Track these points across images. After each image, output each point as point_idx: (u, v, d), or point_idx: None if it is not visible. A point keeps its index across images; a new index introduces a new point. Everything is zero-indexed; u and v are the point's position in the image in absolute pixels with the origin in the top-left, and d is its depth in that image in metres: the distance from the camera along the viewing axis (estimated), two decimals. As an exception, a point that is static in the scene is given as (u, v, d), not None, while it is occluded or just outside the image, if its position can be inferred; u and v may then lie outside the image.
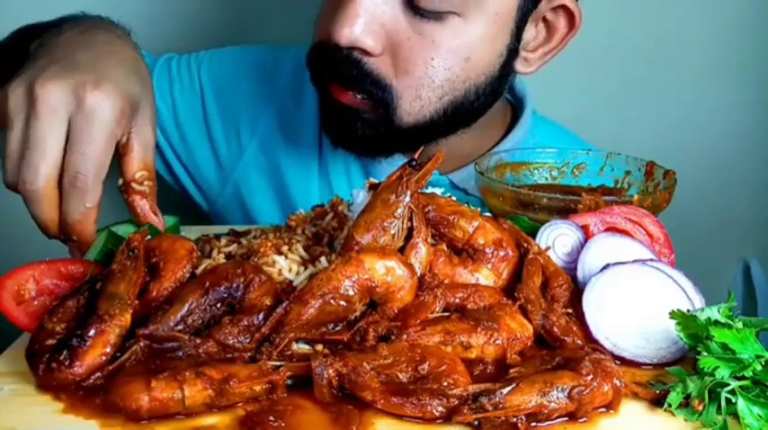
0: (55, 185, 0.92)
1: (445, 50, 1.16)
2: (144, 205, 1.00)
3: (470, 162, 1.37)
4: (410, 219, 0.84)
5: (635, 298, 0.82)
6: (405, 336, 0.77)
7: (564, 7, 1.25)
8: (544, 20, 1.26)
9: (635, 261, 0.86)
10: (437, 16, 1.14)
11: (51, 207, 0.93)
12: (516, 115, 1.44)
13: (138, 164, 0.99)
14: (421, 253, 0.83)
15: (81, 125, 0.92)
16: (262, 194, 1.45)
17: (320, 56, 1.20)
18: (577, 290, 0.87)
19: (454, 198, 0.93)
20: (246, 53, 1.51)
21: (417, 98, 1.19)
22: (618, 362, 0.76)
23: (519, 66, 1.27)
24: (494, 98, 1.29)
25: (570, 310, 0.84)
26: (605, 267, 0.85)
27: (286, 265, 0.88)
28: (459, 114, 1.24)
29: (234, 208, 1.47)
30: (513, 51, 1.24)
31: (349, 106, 1.19)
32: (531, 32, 1.26)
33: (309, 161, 1.43)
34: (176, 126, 1.45)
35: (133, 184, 0.99)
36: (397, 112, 1.19)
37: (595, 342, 0.80)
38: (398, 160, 1.31)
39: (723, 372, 0.71)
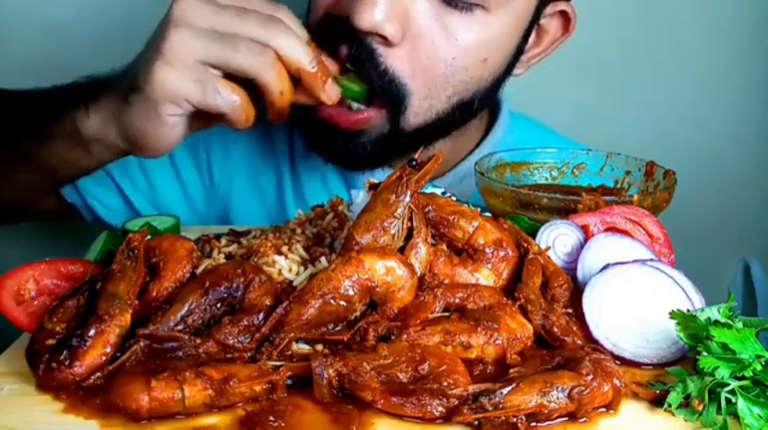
0: None
1: (467, 49, 1.13)
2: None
3: (453, 167, 1.36)
4: (410, 219, 0.84)
5: (635, 298, 0.82)
6: (405, 336, 0.77)
7: (561, 12, 1.25)
8: (537, 23, 1.25)
9: (635, 261, 0.86)
10: (467, 8, 1.11)
11: None
12: (493, 115, 1.43)
13: None
14: (421, 253, 0.83)
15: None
16: (250, 213, 1.41)
17: (323, 31, 1.12)
18: (577, 290, 0.87)
19: (454, 198, 0.93)
20: None
21: (428, 97, 1.15)
22: (618, 362, 0.76)
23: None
24: (490, 100, 1.28)
25: (570, 310, 0.84)
26: (605, 267, 0.85)
27: (286, 265, 0.88)
28: (462, 115, 1.22)
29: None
30: (518, 53, 1.24)
31: (346, 130, 1.15)
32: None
33: (283, 176, 1.40)
34: (141, 169, 1.38)
35: None
36: (406, 112, 1.15)
37: (595, 342, 0.80)
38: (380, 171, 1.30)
39: (723, 372, 0.71)
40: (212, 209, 1.42)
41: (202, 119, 1.01)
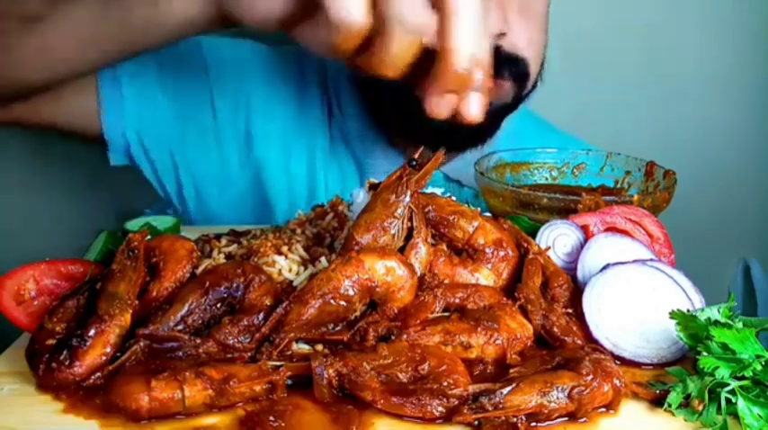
0: None
1: (544, 15, 1.29)
2: None
3: (460, 152, 1.39)
4: (410, 219, 0.84)
5: (635, 298, 0.82)
6: (405, 336, 0.77)
7: None
8: None
9: (635, 261, 0.86)
10: None
11: None
12: None
13: None
14: (421, 253, 0.83)
15: None
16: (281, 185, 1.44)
17: None
18: (577, 290, 0.87)
19: (454, 198, 0.93)
20: (252, 55, 1.46)
21: (537, 56, 1.28)
22: (618, 362, 0.76)
23: None
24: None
25: (570, 310, 0.84)
26: (605, 267, 0.85)
27: (286, 265, 0.88)
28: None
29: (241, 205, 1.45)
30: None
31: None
32: None
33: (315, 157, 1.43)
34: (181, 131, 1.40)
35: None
36: (527, 81, 1.27)
37: (595, 342, 0.80)
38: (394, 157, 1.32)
39: (723, 372, 0.71)
40: (245, 176, 1.44)
41: (304, 10, 0.81)
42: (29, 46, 0.88)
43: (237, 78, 1.42)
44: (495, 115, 1.27)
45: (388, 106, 1.30)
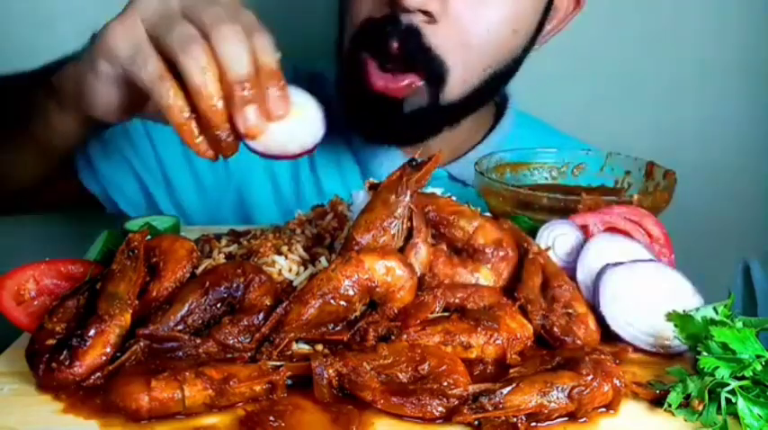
0: None
1: (499, 22, 1.19)
2: None
3: (465, 152, 1.40)
4: (410, 219, 0.84)
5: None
6: (405, 336, 0.77)
7: None
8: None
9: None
10: None
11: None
12: (500, 110, 1.47)
13: None
14: (421, 253, 0.83)
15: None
16: (263, 197, 1.42)
17: (369, 34, 1.18)
18: (577, 290, 0.87)
19: (454, 198, 0.93)
20: None
21: (465, 71, 1.20)
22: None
23: None
24: (512, 76, 1.32)
25: (570, 310, 0.84)
26: (605, 267, 0.85)
27: (286, 265, 0.88)
28: (494, 87, 1.28)
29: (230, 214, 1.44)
30: (540, 26, 1.28)
31: (395, 98, 1.19)
32: None
33: (300, 166, 1.42)
34: (156, 159, 1.40)
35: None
36: (446, 88, 1.20)
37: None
38: (394, 156, 1.32)
39: (723, 372, 0.71)
40: (226, 198, 1.42)
41: (138, 97, 0.90)
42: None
43: None
44: (417, 118, 1.22)
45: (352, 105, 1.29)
